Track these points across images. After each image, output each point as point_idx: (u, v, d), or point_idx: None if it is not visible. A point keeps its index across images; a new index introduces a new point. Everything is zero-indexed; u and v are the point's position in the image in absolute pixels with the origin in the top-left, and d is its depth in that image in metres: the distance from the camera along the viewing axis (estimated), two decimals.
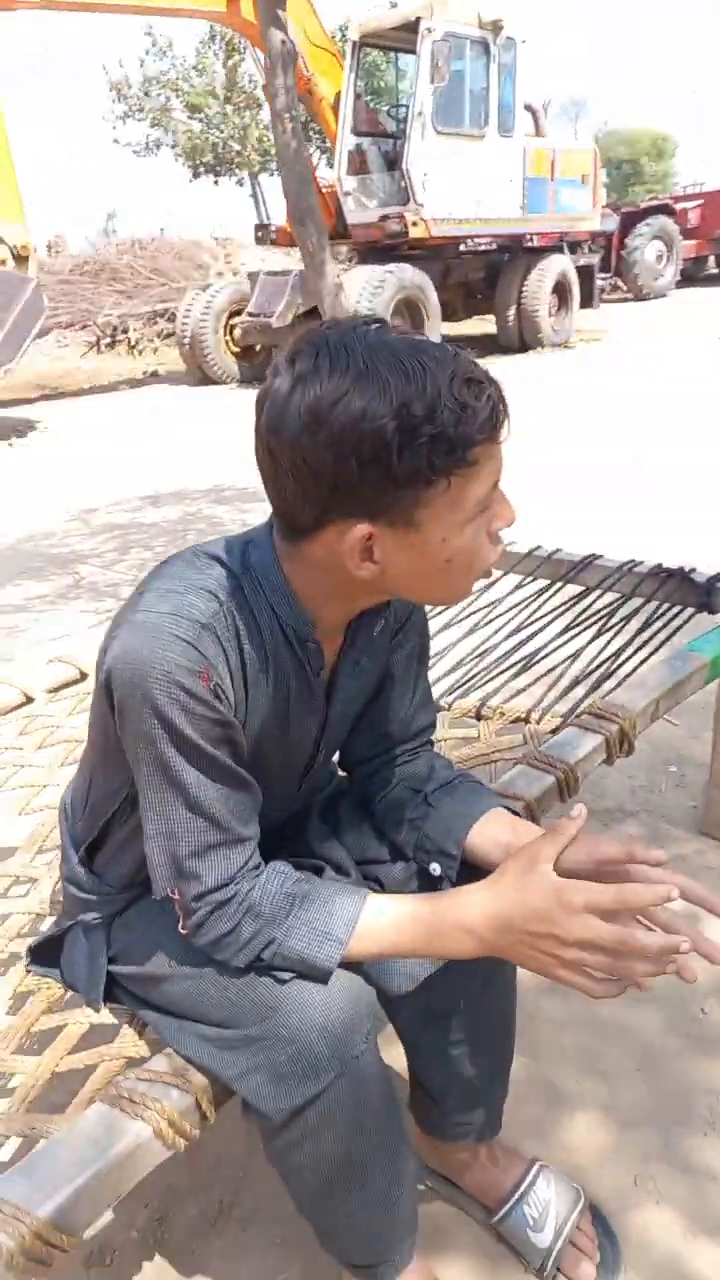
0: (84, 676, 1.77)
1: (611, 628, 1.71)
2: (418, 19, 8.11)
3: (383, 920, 0.79)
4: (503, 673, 1.64)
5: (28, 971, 1.04)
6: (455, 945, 0.77)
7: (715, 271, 16.81)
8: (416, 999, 0.95)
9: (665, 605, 1.76)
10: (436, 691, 1.62)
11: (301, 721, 0.86)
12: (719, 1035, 1.36)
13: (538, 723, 1.43)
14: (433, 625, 1.88)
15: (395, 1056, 1.06)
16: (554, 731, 1.36)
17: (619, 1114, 1.25)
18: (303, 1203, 0.87)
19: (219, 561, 0.79)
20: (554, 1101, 1.28)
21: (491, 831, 0.89)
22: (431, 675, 1.70)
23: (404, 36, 8.59)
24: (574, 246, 10.80)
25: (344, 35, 10.00)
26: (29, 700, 1.71)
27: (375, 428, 0.66)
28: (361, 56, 9.24)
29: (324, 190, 9.00)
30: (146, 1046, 0.90)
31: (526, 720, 1.45)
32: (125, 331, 12.65)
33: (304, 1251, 1.08)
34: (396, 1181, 0.87)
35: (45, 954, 1.03)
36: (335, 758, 1.04)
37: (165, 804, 0.77)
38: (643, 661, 1.57)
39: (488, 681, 1.62)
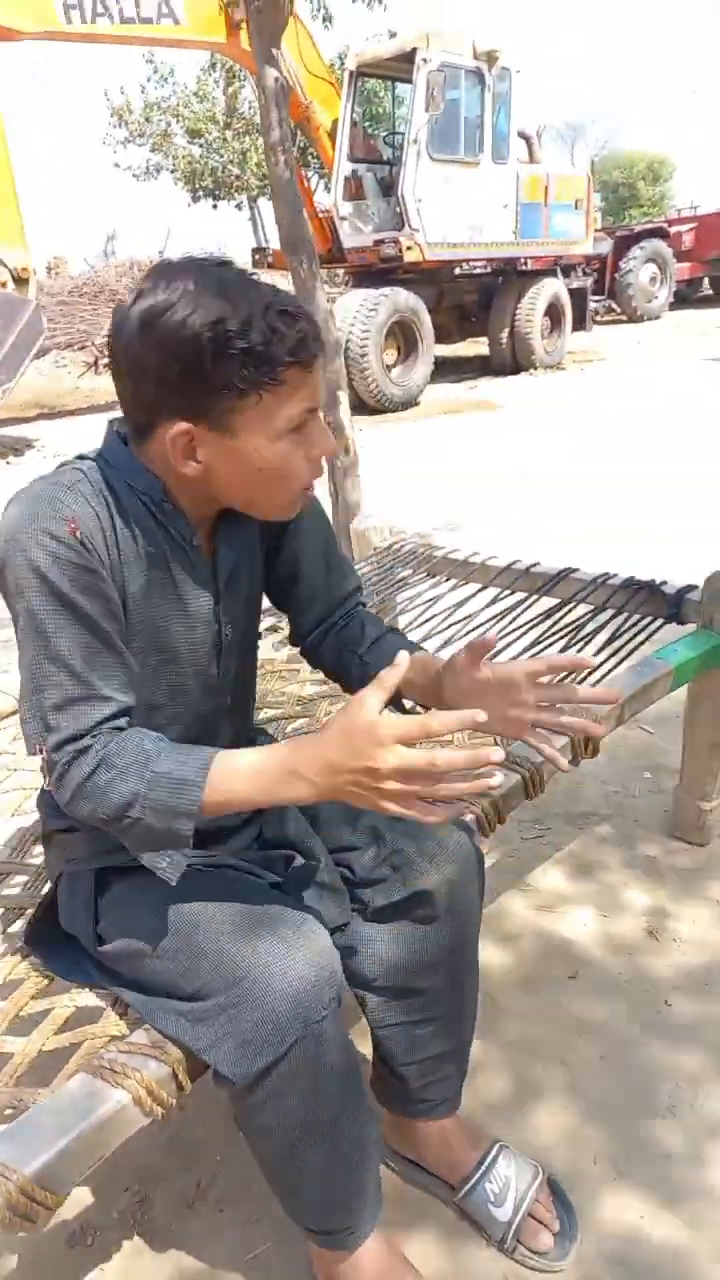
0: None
1: (584, 638, 1.78)
2: (414, 50, 8.30)
3: (229, 771, 0.82)
4: None
5: (20, 956, 1.10)
6: (291, 792, 0.81)
7: (709, 293, 17.02)
8: (386, 981, 1.02)
9: (637, 616, 1.83)
10: (408, 704, 1.69)
11: (194, 593, 0.94)
12: (681, 1026, 1.42)
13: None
14: (412, 636, 1.96)
15: (361, 1044, 1.12)
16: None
17: (583, 1100, 1.31)
18: (269, 1167, 0.93)
19: (77, 458, 0.90)
20: (521, 1089, 1.33)
21: (413, 675, 1.01)
22: None
23: (401, 66, 8.78)
24: (567, 270, 10.98)
25: (342, 64, 10.23)
26: None
27: (192, 333, 0.78)
28: (359, 85, 9.44)
29: (320, 215, 9.16)
30: (127, 1026, 0.96)
31: None
32: None
33: (276, 1230, 1.14)
34: (358, 1147, 0.93)
35: (38, 935, 1.09)
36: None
37: (34, 658, 0.84)
38: (613, 669, 1.64)
39: None
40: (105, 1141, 0.82)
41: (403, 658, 0.79)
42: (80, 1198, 1.21)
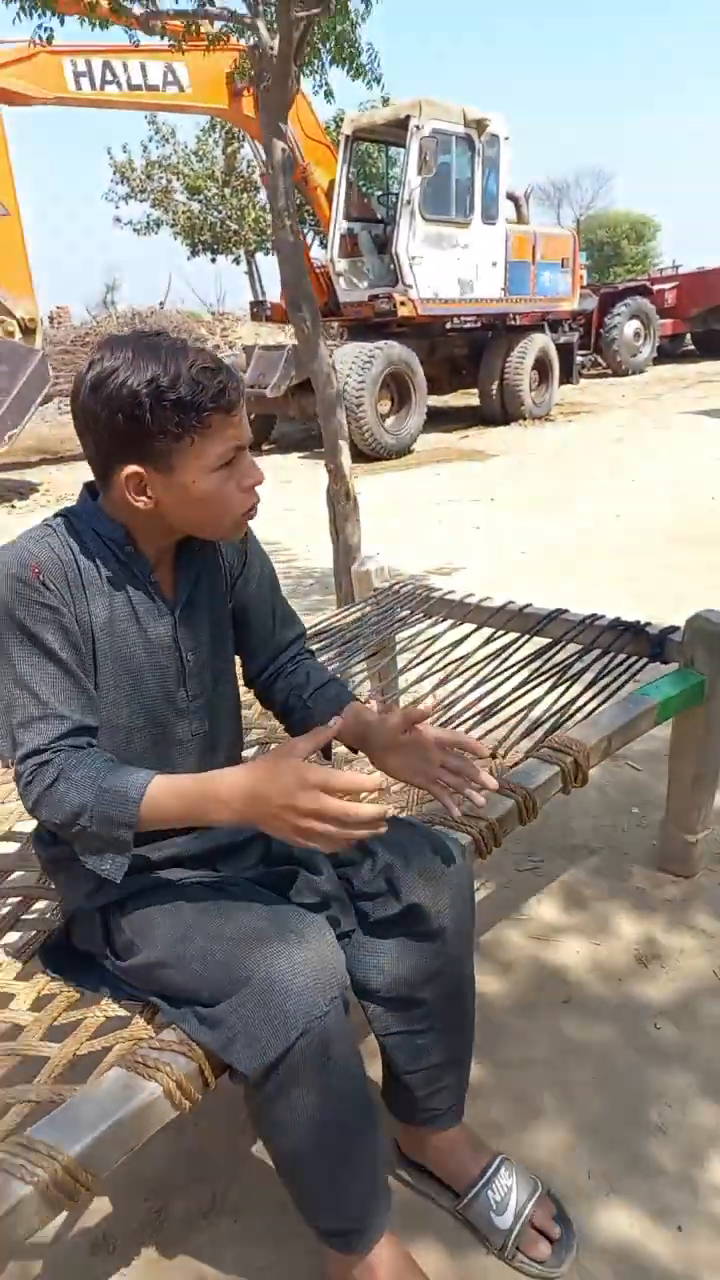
0: None
1: (573, 676, 1.88)
2: (407, 117, 8.68)
3: (165, 792, 0.95)
4: (474, 716, 1.80)
5: (47, 976, 1.17)
6: (216, 814, 0.94)
7: (691, 349, 17.55)
8: (388, 992, 1.09)
9: (622, 655, 1.94)
10: None
11: (154, 623, 1.08)
12: (668, 1048, 1.49)
13: (503, 757, 1.58)
14: (409, 675, 2.05)
15: (372, 1066, 1.18)
16: (516, 764, 1.52)
17: (577, 1119, 1.37)
18: (283, 1166, 1.00)
19: (52, 516, 1.06)
20: (519, 1108, 1.39)
21: (347, 723, 1.15)
22: None
23: (394, 131, 9.17)
24: (555, 325, 11.34)
25: (337, 127, 10.66)
26: None
27: (132, 392, 0.93)
28: (354, 149, 9.84)
29: (317, 270, 9.46)
30: (154, 1030, 1.03)
31: (494, 755, 1.60)
32: None
33: (288, 1242, 1.19)
34: (367, 1148, 1.00)
35: (56, 958, 1.17)
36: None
37: (2, 683, 0.99)
38: (599, 705, 1.73)
39: (460, 725, 1.78)
40: (139, 1130, 0.89)
41: (334, 722, 0.95)
42: (101, 1207, 1.26)
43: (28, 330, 7.34)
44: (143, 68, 8.42)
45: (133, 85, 8.46)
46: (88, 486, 1.07)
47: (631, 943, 1.75)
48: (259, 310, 11.05)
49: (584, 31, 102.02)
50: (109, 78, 8.33)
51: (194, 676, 1.12)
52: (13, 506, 7.49)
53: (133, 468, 0.98)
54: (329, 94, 3.57)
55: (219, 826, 0.97)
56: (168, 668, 1.09)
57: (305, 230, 13.70)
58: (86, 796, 0.94)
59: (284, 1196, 1.21)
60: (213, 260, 21.46)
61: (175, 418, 0.94)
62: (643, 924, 1.80)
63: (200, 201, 20.56)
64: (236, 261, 21.72)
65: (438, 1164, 1.21)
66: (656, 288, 15.60)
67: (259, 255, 21.39)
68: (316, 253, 11.95)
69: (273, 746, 1.33)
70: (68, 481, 8.44)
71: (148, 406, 0.94)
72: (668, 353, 16.58)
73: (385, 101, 9.93)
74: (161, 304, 16.41)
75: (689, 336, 17.16)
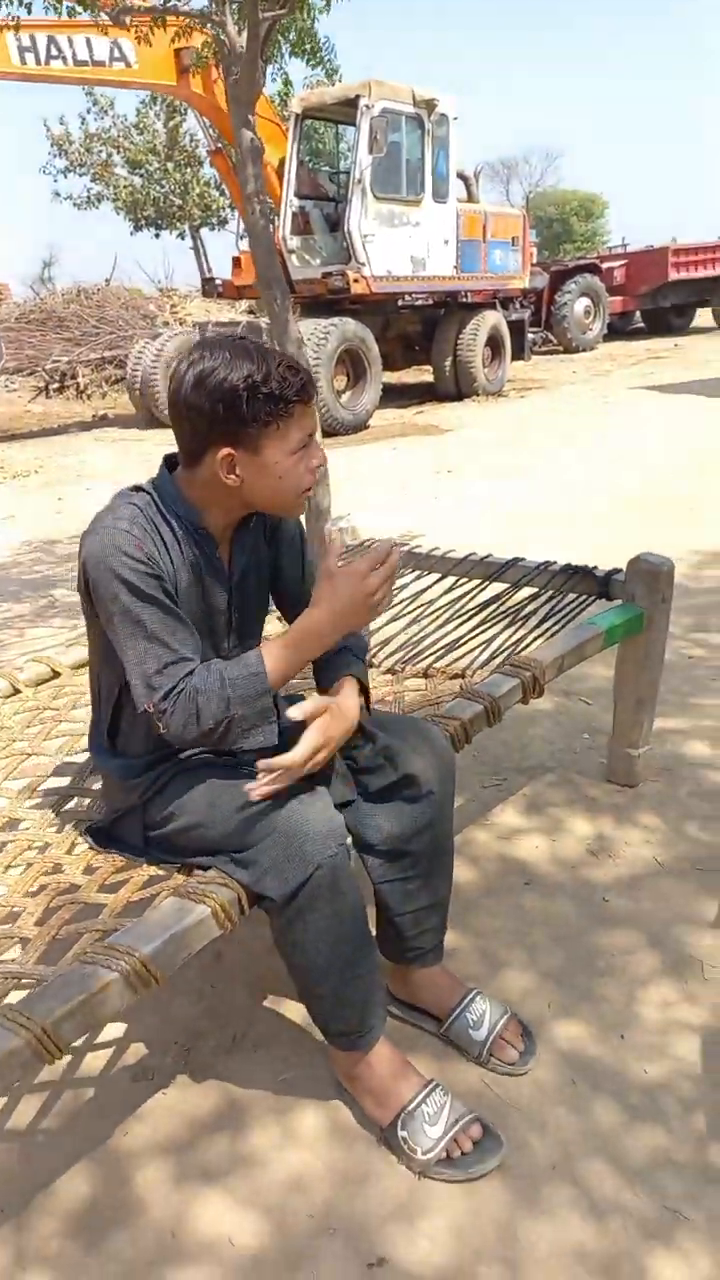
0: (57, 674, 2.12)
1: (530, 613, 2.13)
2: (357, 96, 8.78)
3: (274, 654, 1.19)
4: (441, 650, 2.04)
5: (94, 852, 1.38)
6: (321, 642, 1.19)
7: (641, 326, 17.94)
8: (385, 845, 1.33)
9: (573, 595, 2.19)
10: (389, 663, 2.01)
11: (214, 590, 1.30)
12: (614, 916, 1.76)
13: (471, 676, 1.83)
14: (382, 618, 2.28)
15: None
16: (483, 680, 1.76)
17: (538, 969, 1.63)
18: (301, 979, 1.23)
19: (136, 490, 1.25)
20: (490, 964, 1.65)
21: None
22: (383, 652, 2.09)
23: (344, 110, 9.27)
24: (506, 302, 11.59)
25: (284, 103, 10.68)
26: (17, 691, 2.04)
27: (232, 386, 1.13)
28: (303, 127, 9.91)
29: None
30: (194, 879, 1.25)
31: (463, 676, 1.84)
32: (74, 377, 13.01)
33: (301, 1062, 1.43)
34: (368, 966, 1.25)
35: (100, 838, 1.39)
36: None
37: (133, 640, 1.18)
38: (556, 632, 1.99)
39: (428, 657, 2.02)
40: (192, 942, 1.11)
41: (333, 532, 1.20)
42: (137, 1050, 1.49)
43: None
44: (88, 43, 8.32)
45: (78, 61, 8.37)
46: (167, 461, 1.27)
47: (583, 838, 2.01)
48: (210, 287, 11.10)
49: (534, 13, 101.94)
50: (54, 53, 8.23)
51: (236, 632, 1.37)
52: None
53: (227, 450, 1.16)
54: (288, 83, 3.72)
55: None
56: (220, 626, 1.33)
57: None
58: (224, 694, 1.15)
59: (298, 1032, 1.46)
60: (156, 236, 21.22)
61: (267, 407, 1.14)
62: (593, 824, 2.07)
63: (142, 176, 20.26)
64: (181, 237, 21.51)
65: (424, 998, 1.46)
66: (606, 266, 15.88)
67: (205, 231, 21.21)
68: None
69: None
70: (20, 459, 8.49)
71: (245, 398, 1.13)
72: (618, 330, 16.93)
73: (331, 76, 10.00)
74: (108, 280, 16.22)
75: (638, 314, 17.53)
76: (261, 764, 1.15)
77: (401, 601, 2.33)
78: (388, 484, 6.23)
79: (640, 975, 1.60)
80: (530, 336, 13.14)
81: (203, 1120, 1.36)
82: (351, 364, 9.18)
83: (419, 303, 10.34)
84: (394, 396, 11.01)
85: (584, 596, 2.18)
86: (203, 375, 1.13)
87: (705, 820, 2.05)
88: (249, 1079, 1.42)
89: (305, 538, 1.45)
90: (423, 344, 10.93)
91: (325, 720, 1.20)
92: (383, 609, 1.21)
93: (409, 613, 2.27)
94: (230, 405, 1.13)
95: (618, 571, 2.14)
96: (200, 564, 1.26)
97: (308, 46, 3.18)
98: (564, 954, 1.67)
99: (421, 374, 11.80)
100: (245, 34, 2.50)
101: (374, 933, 1.40)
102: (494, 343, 10.79)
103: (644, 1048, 1.45)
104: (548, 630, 2.03)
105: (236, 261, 10.62)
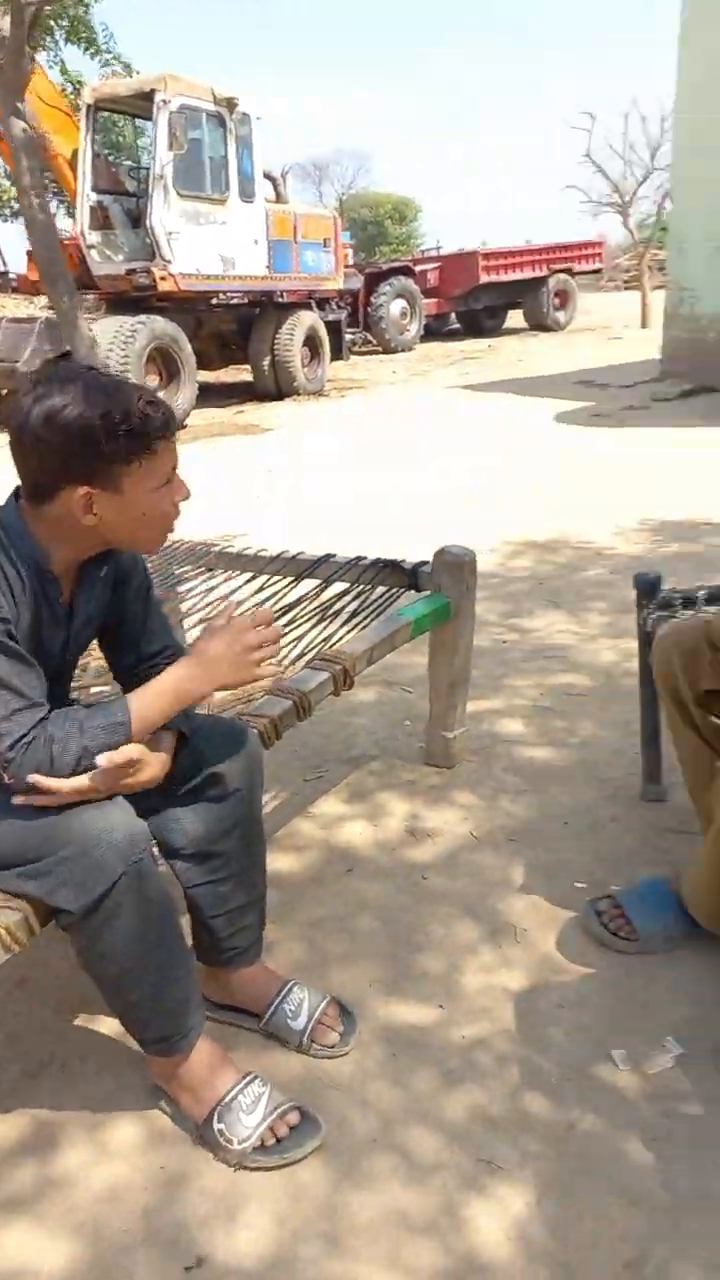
0: None
1: (342, 609, 2.17)
2: (152, 90, 8.55)
3: (143, 702, 1.17)
4: None
5: None
6: (197, 690, 1.19)
7: (456, 327, 18.69)
8: (191, 849, 1.32)
9: (384, 588, 2.25)
10: None
11: (52, 634, 1.24)
12: (431, 893, 1.83)
13: (283, 672, 1.84)
14: (194, 618, 2.25)
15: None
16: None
17: (360, 949, 1.67)
18: (110, 990, 1.20)
19: None
20: (314, 952, 1.67)
21: None
22: None
23: (139, 104, 9.02)
24: (322, 303, 11.74)
25: (76, 91, 10.22)
26: None
27: (88, 424, 1.07)
28: (97, 118, 9.56)
29: (66, 241, 9.08)
30: None
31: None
32: None
33: (113, 1074, 1.40)
34: (181, 966, 1.22)
35: None
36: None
37: None
38: (367, 624, 2.04)
39: None
40: None
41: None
42: None
43: None
44: None
45: None
46: (14, 496, 1.18)
47: (403, 820, 2.08)
48: (3, 281, 10.53)
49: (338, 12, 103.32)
50: None
51: (68, 671, 1.32)
52: None
53: (83, 489, 1.11)
54: (64, 71, 3.59)
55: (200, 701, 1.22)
56: (52, 669, 1.25)
57: (49, 199, 13.07)
58: (80, 743, 1.11)
59: (109, 1046, 1.42)
60: None
61: (129, 445, 1.10)
62: (412, 806, 2.14)
63: None
64: None
65: (241, 997, 1.46)
66: (420, 268, 16.41)
67: None
68: (64, 222, 11.43)
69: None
70: None
71: (103, 436, 1.07)
72: (434, 331, 17.54)
73: (124, 67, 9.63)
74: None
75: (453, 316, 18.24)
76: (31, 777, 1.11)
77: (208, 606, 2.31)
78: (205, 485, 6.15)
79: (459, 945, 1.68)
80: (349, 337, 13.39)
81: (8, 1149, 1.30)
82: (164, 362, 8.95)
83: (233, 301, 10.27)
84: (213, 396, 10.89)
85: (394, 589, 2.25)
86: (53, 412, 1.07)
87: (517, 794, 2.17)
88: (58, 1100, 1.37)
89: (152, 586, 1.40)
90: (239, 343, 10.86)
91: (124, 770, 1.15)
92: (267, 670, 1.22)
93: (213, 617, 2.25)
94: (88, 443, 1.08)
95: (424, 563, 2.22)
96: (42, 607, 1.19)
97: (83, 35, 3.06)
98: (386, 934, 1.71)
99: (241, 373, 11.74)
100: (9, 19, 2.39)
101: (189, 939, 1.38)
102: (312, 343, 10.90)
103: (463, 1014, 1.52)
104: (358, 623, 2.08)
105: (31, 255, 10.12)
